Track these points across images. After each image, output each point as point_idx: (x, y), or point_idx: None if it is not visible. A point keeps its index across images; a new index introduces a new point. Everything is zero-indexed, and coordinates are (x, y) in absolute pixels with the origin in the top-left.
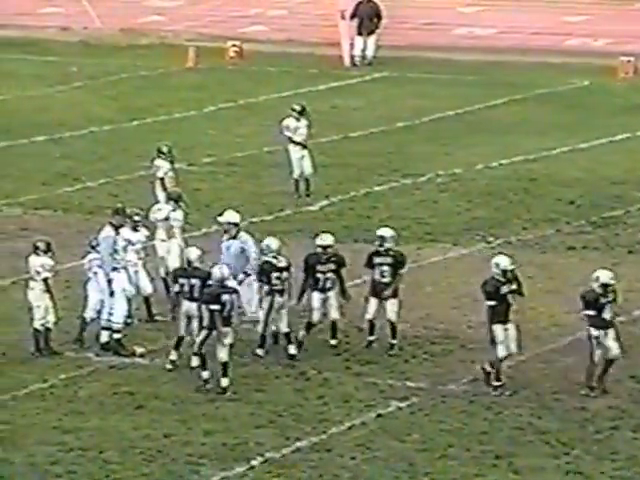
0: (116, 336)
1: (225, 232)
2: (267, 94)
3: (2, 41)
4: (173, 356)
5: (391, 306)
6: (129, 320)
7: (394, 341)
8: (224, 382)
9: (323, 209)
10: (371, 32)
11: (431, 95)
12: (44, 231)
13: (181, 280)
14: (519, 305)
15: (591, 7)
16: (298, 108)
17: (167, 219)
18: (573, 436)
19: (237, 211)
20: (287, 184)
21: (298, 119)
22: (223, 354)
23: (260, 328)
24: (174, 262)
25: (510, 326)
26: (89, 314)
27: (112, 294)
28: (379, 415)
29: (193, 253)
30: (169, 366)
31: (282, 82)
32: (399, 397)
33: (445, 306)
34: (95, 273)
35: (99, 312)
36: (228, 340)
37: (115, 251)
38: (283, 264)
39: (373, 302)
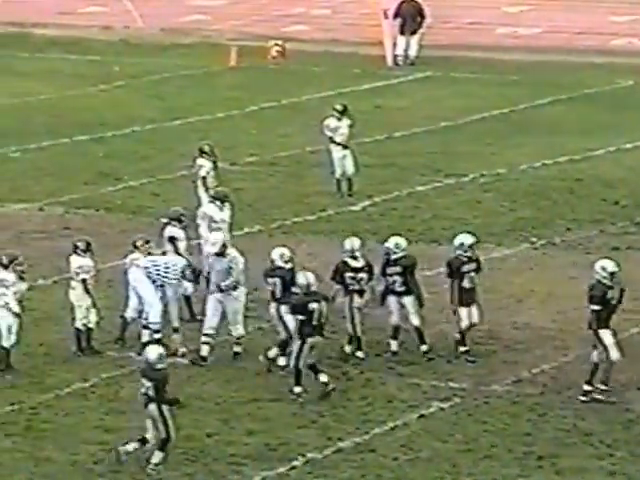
0: (156, 336)
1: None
2: (310, 94)
3: (44, 40)
4: (282, 362)
5: (476, 310)
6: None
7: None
8: (297, 389)
9: (366, 209)
10: (414, 32)
11: (475, 95)
12: (86, 230)
13: (269, 279)
14: (563, 307)
15: (637, 7)
16: (339, 108)
17: (212, 219)
18: (617, 437)
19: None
20: (330, 184)
21: (339, 119)
22: (309, 361)
23: (350, 329)
24: None
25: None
26: (130, 314)
27: (162, 299)
28: (422, 416)
29: (275, 252)
30: (281, 372)
31: (325, 82)
32: (442, 398)
33: (488, 307)
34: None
35: (140, 312)
36: (317, 349)
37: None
38: (359, 264)
39: (465, 311)
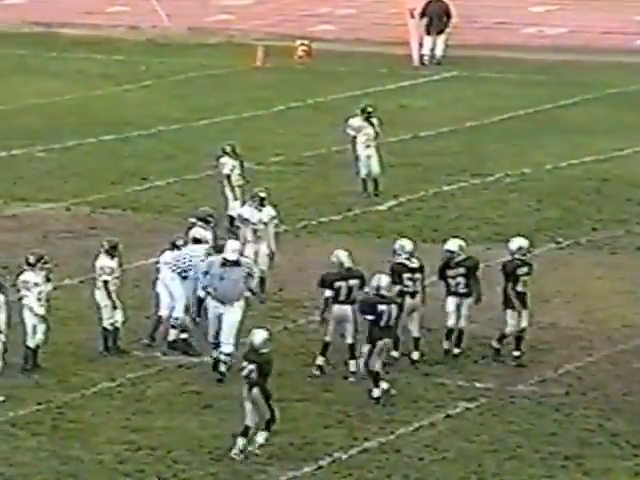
0: (183, 335)
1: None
2: (336, 93)
3: (71, 40)
4: (319, 361)
5: (526, 315)
6: (198, 319)
7: (518, 353)
8: (376, 393)
9: (391, 209)
10: (440, 31)
11: (501, 95)
12: (112, 230)
13: (338, 283)
14: (589, 307)
15: None
16: (364, 108)
17: (250, 221)
18: None
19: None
20: (355, 184)
21: (364, 119)
22: (377, 364)
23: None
24: (262, 264)
25: None
26: (164, 312)
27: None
28: (447, 416)
29: (342, 255)
30: (316, 372)
31: (351, 81)
32: (468, 398)
33: None
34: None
35: (172, 309)
36: (384, 351)
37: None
38: (415, 265)
39: (513, 315)
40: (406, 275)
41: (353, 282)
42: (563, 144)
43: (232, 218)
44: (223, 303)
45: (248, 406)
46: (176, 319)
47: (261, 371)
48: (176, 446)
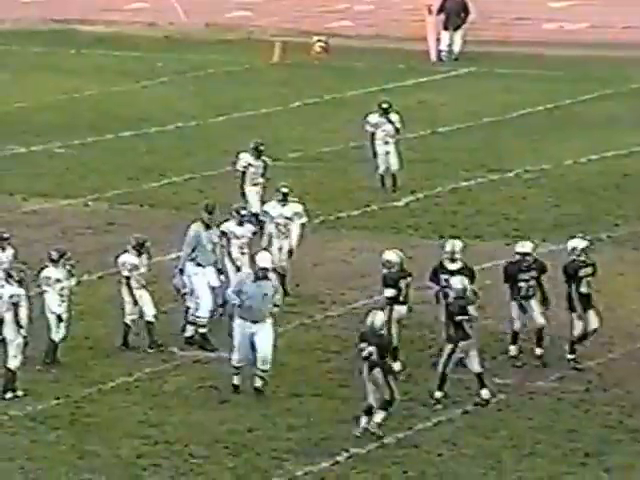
0: (201, 330)
1: (257, 276)
2: (353, 89)
3: (89, 37)
4: (396, 367)
5: (595, 316)
6: (215, 314)
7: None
8: (484, 394)
9: (409, 204)
10: (458, 27)
11: (519, 90)
12: (131, 226)
13: (403, 281)
14: (610, 303)
15: None
16: (383, 105)
17: (269, 214)
18: None
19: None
20: (373, 179)
21: (382, 115)
22: (476, 365)
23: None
24: (284, 260)
25: None
26: (191, 304)
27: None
28: (466, 412)
29: (400, 254)
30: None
31: (369, 77)
32: None
33: None
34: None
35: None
36: (475, 351)
37: (200, 248)
38: (454, 267)
39: (591, 313)
40: (443, 277)
41: (409, 280)
42: (583, 139)
43: (252, 215)
44: (255, 322)
45: (370, 387)
46: (194, 315)
47: (383, 352)
48: (193, 441)
